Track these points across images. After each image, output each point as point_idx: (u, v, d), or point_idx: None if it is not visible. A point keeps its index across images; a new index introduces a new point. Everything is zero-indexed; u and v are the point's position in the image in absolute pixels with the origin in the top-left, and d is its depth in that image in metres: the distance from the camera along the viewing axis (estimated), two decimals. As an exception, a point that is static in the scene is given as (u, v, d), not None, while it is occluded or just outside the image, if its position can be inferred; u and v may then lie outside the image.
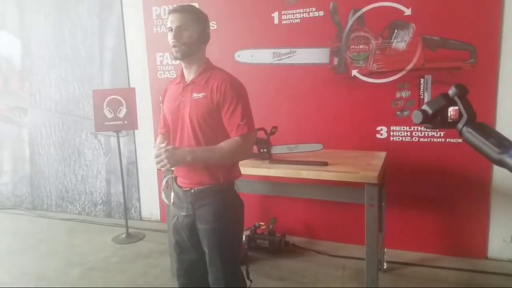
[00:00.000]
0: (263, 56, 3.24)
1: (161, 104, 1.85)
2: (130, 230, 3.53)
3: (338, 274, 2.70)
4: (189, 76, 1.65)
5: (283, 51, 3.18)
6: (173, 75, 3.55)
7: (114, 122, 3.40)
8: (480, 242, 2.86)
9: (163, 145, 1.54)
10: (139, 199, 3.96)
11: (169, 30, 1.59)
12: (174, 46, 1.57)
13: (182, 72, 1.68)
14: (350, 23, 2.98)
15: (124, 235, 3.49)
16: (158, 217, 3.86)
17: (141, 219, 3.93)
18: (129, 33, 3.75)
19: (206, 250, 1.64)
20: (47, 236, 3.61)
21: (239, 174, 1.74)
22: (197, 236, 1.66)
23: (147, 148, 3.78)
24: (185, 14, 1.58)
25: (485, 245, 2.86)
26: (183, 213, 1.68)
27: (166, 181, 1.84)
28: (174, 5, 1.66)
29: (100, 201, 4.09)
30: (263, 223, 3.08)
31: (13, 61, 4.30)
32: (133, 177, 3.93)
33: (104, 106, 3.38)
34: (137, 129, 3.50)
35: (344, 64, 3.02)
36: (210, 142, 1.59)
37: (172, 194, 1.76)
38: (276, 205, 3.32)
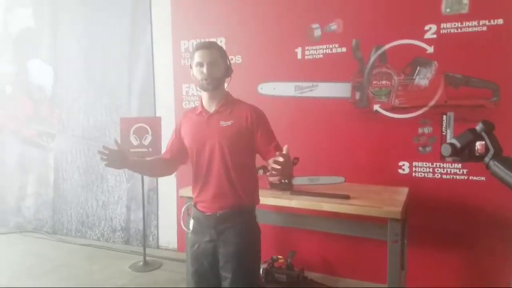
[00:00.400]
0: (286, 89, 3.31)
1: (174, 133, 1.91)
2: (147, 258, 3.53)
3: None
4: (210, 107, 1.76)
5: (305, 84, 3.24)
6: (198, 105, 3.63)
7: (139, 149, 3.48)
8: (504, 282, 2.75)
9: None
10: (157, 227, 3.98)
11: (197, 65, 1.71)
12: (205, 79, 1.69)
13: (201, 103, 1.79)
14: (372, 59, 3.04)
15: (141, 263, 3.49)
16: (175, 246, 3.86)
17: (158, 247, 3.94)
18: (158, 64, 3.90)
19: (228, 275, 1.65)
20: (66, 261, 3.64)
21: (258, 199, 1.83)
22: (218, 262, 1.68)
23: (169, 176, 3.82)
24: (214, 50, 1.72)
25: (510, 283, 2.74)
26: (206, 239, 1.71)
27: (186, 208, 1.87)
28: (201, 41, 1.80)
29: (119, 227, 4.13)
30: (281, 257, 3.04)
31: (44, 88, 4.49)
32: (153, 204, 3.97)
33: (131, 134, 3.48)
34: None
35: (366, 98, 3.06)
36: (236, 166, 1.70)
37: (192, 221, 1.80)
38: (295, 238, 3.28)
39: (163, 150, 3.50)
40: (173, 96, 3.81)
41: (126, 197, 4.10)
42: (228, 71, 1.78)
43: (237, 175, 1.71)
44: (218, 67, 1.71)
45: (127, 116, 3.93)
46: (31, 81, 4.57)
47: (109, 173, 4.16)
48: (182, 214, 1.88)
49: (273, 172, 1.50)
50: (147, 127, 3.52)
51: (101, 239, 4.20)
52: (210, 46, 1.72)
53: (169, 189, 3.85)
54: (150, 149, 3.49)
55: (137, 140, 3.50)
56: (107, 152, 1.64)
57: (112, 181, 4.16)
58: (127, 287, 3.07)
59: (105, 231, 4.20)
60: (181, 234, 3.78)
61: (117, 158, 1.65)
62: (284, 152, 1.50)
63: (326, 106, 3.16)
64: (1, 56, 4.71)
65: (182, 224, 1.86)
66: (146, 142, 3.51)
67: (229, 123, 1.71)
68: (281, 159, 1.47)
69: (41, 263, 3.61)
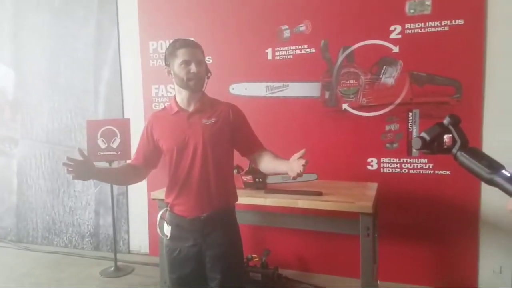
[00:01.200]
0: (257, 89, 3.33)
1: (143, 137, 1.82)
2: (118, 263, 3.45)
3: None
4: (189, 106, 1.71)
5: (276, 84, 3.28)
6: (167, 107, 3.59)
7: (107, 153, 3.40)
8: (470, 274, 2.88)
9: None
10: (128, 231, 3.89)
11: (182, 63, 1.64)
12: (191, 79, 1.65)
13: (176, 103, 1.72)
14: (340, 59, 3.11)
15: (112, 269, 3.40)
16: (147, 250, 3.79)
17: (129, 252, 3.85)
18: (125, 66, 3.82)
19: (217, 276, 1.63)
20: (32, 270, 3.50)
21: (236, 198, 1.82)
22: (204, 266, 1.65)
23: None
24: (199, 49, 1.70)
25: (476, 276, 2.88)
26: (188, 244, 1.65)
27: (161, 215, 1.77)
28: (183, 39, 1.73)
29: (88, 233, 4.01)
30: (255, 255, 3.05)
31: (5, 92, 4.31)
32: (123, 208, 3.88)
33: (98, 137, 3.39)
34: (130, 159, 3.49)
35: (334, 98, 3.13)
36: (219, 165, 1.68)
37: (169, 227, 1.70)
38: (269, 237, 3.31)
39: (133, 152, 3.49)
40: (142, 97, 3.74)
41: (94, 202, 3.99)
42: (207, 72, 1.74)
43: (220, 174, 1.69)
44: (202, 66, 1.69)
45: (93, 118, 3.83)
46: (-9, 84, 4.37)
47: (76, 177, 4.02)
48: (158, 220, 1.76)
49: (297, 175, 1.56)
50: (115, 129, 3.44)
51: (69, 245, 4.07)
52: (196, 46, 1.69)
53: (139, 193, 3.77)
54: (119, 152, 3.42)
55: (104, 143, 3.41)
56: (72, 164, 1.52)
57: (79, 186, 4.04)
58: (99, 294, 2.99)
59: (73, 237, 4.07)
60: (153, 238, 3.72)
61: (84, 169, 1.54)
62: (301, 155, 1.60)
63: (297, 106, 3.21)
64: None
65: (159, 231, 1.75)
66: (115, 145, 3.43)
67: (212, 120, 1.69)
68: (305, 162, 1.55)
69: (5, 273, 3.45)
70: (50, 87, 4.09)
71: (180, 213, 1.68)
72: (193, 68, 1.64)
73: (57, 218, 4.13)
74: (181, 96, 1.72)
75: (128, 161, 1.91)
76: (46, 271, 3.48)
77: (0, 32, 4.27)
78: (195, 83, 1.66)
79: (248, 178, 2.57)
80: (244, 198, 2.38)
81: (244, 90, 3.35)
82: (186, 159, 1.67)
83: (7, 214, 4.34)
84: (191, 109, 1.71)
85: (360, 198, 2.24)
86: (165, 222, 1.74)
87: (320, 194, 2.31)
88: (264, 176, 2.50)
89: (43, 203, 4.17)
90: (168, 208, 1.74)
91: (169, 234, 1.71)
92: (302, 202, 2.26)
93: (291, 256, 3.28)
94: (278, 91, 3.28)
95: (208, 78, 1.73)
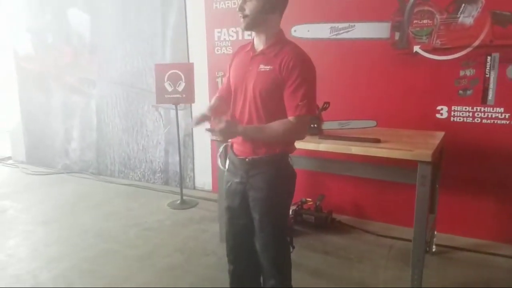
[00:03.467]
0: (320, 31, 3.19)
1: (228, 68, 1.81)
2: (184, 197, 3.72)
3: (383, 253, 2.67)
4: (258, 46, 1.64)
5: (341, 25, 3.11)
6: (229, 51, 3.61)
7: (173, 95, 3.56)
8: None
9: (219, 120, 1.52)
10: (193, 170, 4.14)
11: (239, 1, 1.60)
12: (242, 17, 1.58)
13: (253, 40, 1.68)
14: (413, -4, 2.84)
15: (178, 202, 3.69)
16: (210, 187, 4.03)
17: (194, 188, 4.12)
18: (190, 10, 3.85)
19: (256, 216, 1.69)
20: (108, 199, 3.92)
21: (294, 148, 1.74)
22: (248, 202, 1.71)
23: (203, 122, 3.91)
24: None
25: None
26: (237, 180, 1.72)
27: (223, 148, 1.88)
28: None
29: (159, 169, 4.34)
30: (310, 199, 3.11)
31: (83, 36, 4.60)
32: (189, 148, 4.11)
33: (165, 80, 3.54)
34: (194, 102, 3.64)
35: (406, 39, 2.90)
36: (270, 116, 1.58)
37: (227, 161, 1.81)
38: (324, 182, 3.32)
39: (198, 96, 3.62)
40: (205, 42, 3.78)
41: (164, 142, 4.26)
42: (270, 7, 1.55)
43: (269, 121, 1.58)
44: (252, 2, 1.54)
45: (161, 62, 3.98)
46: (71, 30, 4.68)
47: (148, 118, 4.30)
48: (219, 153, 1.89)
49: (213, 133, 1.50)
50: (180, 73, 3.56)
51: (142, 180, 4.45)
52: None
53: (203, 134, 3.92)
54: (184, 95, 3.56)
55: (171, 86, 3.56)
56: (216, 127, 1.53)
57: (150, 126, 4.32)
58: (165, 222, 3.27)
59: (146, 172, 4.43)
60: (215, 176, 3.92)
61: (229, 130, 1.53)
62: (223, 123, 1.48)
63: (363, 48, 3.03)
64: (41, 5, 4.82)
65: (219, 162, 1.88)
66: (180, 88, 3.56)
67: (268, 68, 1.57)
68: (219, 126, 1.48)
69: (85, 200, 3.90)
70: (122, 32, 4.28)
71: (235, 151, 1.73)
72: (240, 4, 1.56)
73: (132, 154, 4.50)
74: (254, 35, 1.66)
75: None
76: (121, 200, 3.88)
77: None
78: (244, 21, 1.57)
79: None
80: (299, 143, 2.37)
81: (306, 32, 3.22)
82: (239, 99, 1.67)
83: (88, 149, 4.82)
84: (258, 50, 1.64)
85: (421, 146, 2.12)
86: (226, 156, 1.83)
87: (378, 141, 2.23)
88: (319, 121, 2.46)
89: (119, 140, 4.55)
90: (230, 143, 1.79)
91: (227, 167, 1.81)
92: (356, 149, 2.20)
93: (346, 202, 3.28)
94: (343, 33, 3.11)
95: (271, 14, 1.57)
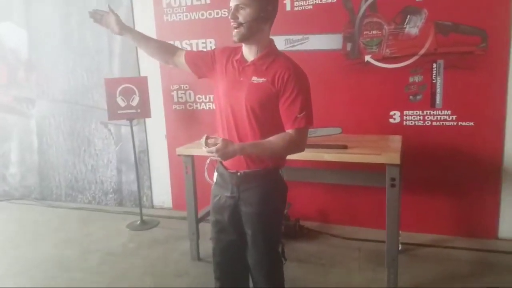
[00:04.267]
0: (276, 42, 3.24)
1: (204, 52, 1.77)
2: (144, 217, 3.56)
3: (354, 256, 2.76)
4: (249, 56, 1.58)
5: (295, 37, 3.20)
6: (184, 63, 3.55)
7: (127, 111, 3.42)
8: (491, 223, 2.94)
9: (214, 144, 1.43)
10: (150, 187, 3.98)
11: (230, 9, 1.52)
12: (233, 28, 1.51)
13: (242, 49, 1.61)
14: (362, 9, 3.01)
15: (138, 222, 3.53)
16: (170, 205, 3.90)
17: (153, 207, 3.96)
18: (139, 22, 3.73)
19: (248, 231, 1.65)
20: (61, 225, 3.63)
21: (285, 160, 1.71)
22: (239, 217, 1.66)
23: (159, 137, 3.81)
24: None
25: (496, 225, 2.94)
26: (227, 194, 1.66)
27: (210, 161, 1.81)
28: None
29: (111, 189, 4.11)
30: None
31: (19, 52, 4.27)
32: (144, 165, 3.95)
33: (117, 95, 3.39)
34: (150, 117, 3.53)
35: (357, 49, 3.06)
36: (264, 130, 1.54)
37: (216, 174, 1.75)
38: (290, 191, 3.35)
39: (152, 110, 3.51)
40: (157, 54, 3.68)
41: (115, 160, 4.06)
42: (264, 15, 1.50)
43: (261, 135, 1.54)
44: (246, 10, 1.47)
45: (109, 77, 3.81)
46: (4, 45, 4.32)
47: (96, 137, 4.08)
48: (206, 166, 1.82)
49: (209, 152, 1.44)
50: (133, 87, 3.44)
51: (93, 202, 4.19)
52: None
53: (160, 150, 3.83)
54: (139, 110, 3.43)
55: (124, 101, 3.42)
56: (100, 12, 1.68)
57: (99, 145, 4.09)
58: (128, 245, 3.11)
59: (97, 194, 4.18)
60: (175, 193, 3.81)
61: (228, 151, 1.44)
62: (219, 143, 1.41)
63: (318, 59, 3.14)
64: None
65: (206, 176, 1.81)
66: (134, 103, 3.43)
67: (261, 80, 1.52)
68: (216, 146, 1.40)
69: (36, 228, 3.59)
70: (64, 46, 4.03)
71: (224, 164, 1.66)
72: (233, 12, 1.49)
73: (80, 176, 4.22)
74: (243, 44, 1.59)
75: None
76: (75, 226, 3.61)
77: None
78: (235, 33, 1.51)
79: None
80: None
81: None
82: (228, 112, 1.60)
83: (30, 174, 4.44)
84: (249, 60, 1.58)
85: (386, 150, 2.25)
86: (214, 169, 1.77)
87: (345, 147, 2.32)
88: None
89: (65, 162, 4.25)
90: None
91: (215, 180, 1.74)
92: (328, 156, 2.27)
93: (311, 209, 3.34)
94: (298, 44, 3.20)
95: (265, 24, 1.53)
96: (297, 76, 1.53)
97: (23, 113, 4.36)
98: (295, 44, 3.20)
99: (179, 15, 3.52)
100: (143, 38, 1.81)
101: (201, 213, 2.79)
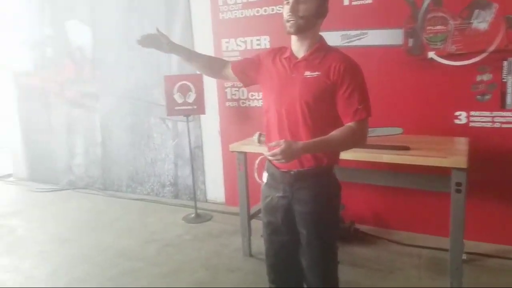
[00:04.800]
0: (331, 38, 3.14)
1: (249, 58, 1.78)
2: (198, 210, 3.66)
3: (414, 263, 2.64)
4: (299, 52, 1.58)
5: (353, 33, 3.10)
6: (240, 61, 3.59)
7: (184, 107, 3.52)
8: None
9: (278, 146, 1.42)
10: (204, 182, 4.08)
11: (285, 3, 1.53)
12: (288, 21, 1.51)
13: (291, 47, 1.62)
14: (426, 3, 2.86)
15: (193, 215, 3.63)
16: (223, 200, 3.97)
17: (206, 201, 4.06)
18: (196, 20, 3.82)
19: (303, 231, 1.63)
20: (121, 215, 3.83)
21: (339, 158, 1.68)
22: (292, 217, 1.65)
23: (213, 133, 3.89)
24: None
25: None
26: (279, 194, 1.64)
27: (260, 161, 1.78)
28: None
29: (168, 182, 4.27)
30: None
31: (85, 50, 4.53)
32: (198, 161, 4.05)
33: (175, 92, 3.50)
34: (204, 113, 3.61)
35: (420, 45, 2.91)
36: (317, 123, 1.53)
37: (266, 174, 1.73)
38: (344, 192, 3.28)
39: (207, 107, 3.58)
40: (213, 52, 3.75)
41: (172, 155, 4.20)
42: (321, 11, 1.53)
43: (315, 132, 1.51)
44: (305, 5, 1.49)
45: (168, 74, 3.93)
46: (71, 43, 4.60)
47: (155, 131, 4.24)
48: (255, 166, 1.83)
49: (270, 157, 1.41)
50: (190, 84, 3.53)
51: (151, 194, 4.37)
52: None
53: (214, 146, 3.91)
54: (195, 106, 3.52)
55: (181, 97, 3.52)
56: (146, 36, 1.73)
57: (158, 140, 4.25)
58: (184, 237, 3.21)
59: (155, 186, 4.36)
60: (228, 189, 3.87)
61: (292, 152, 1.43)
62: (282, 144, 1.38)
63: (376, 55, 3.03)
64: (40, 18, 4.73)
65: (256, 177, 1.81)
66: (190, 100, 3.53)
67: (315, 74, 1.51)
68: (280, 148, 1.37)
69: (98, 216, 3.82)
70: (126, 44, 4.21)
71: (276, 164, 1.62)
72: (288, 7, 1.49)
73: (140, 168, 4.42)
74: (292, 40, 1.60)
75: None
76: (135, 216, 3.79)
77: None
78: (291, 25, 1.50)
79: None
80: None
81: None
82: (280, 110, 1.59)
83: (93, 165, 4.72)
84: (300, 56, 1.57)
85: (452, 152, 2.13)
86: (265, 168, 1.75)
87: (407, 148, 2.22)
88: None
89: (126, 154, 4.47)
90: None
91: (265, 180, 1.72)
92: (388, 157, 2.18)
93: (367, 212, 3.25)
94: (355, 40, 3.11)
95: (320, 19, 1.54)
96: (353, 67, 1.53)
97: (88, 108, 4.63)
98: (352, 39, 3.11)
99: (235, 13, 3.55)
100: (192, 55, 1.86)
101: (253, 210, 2.82)
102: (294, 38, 1.58)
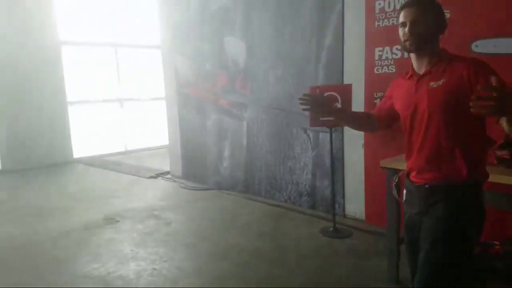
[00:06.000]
0: (510, 45, 2.75)
1: (384, 97, 1.86)
2: (336, 225, 3.55)
3: None
4: (420, 68, 1.62)
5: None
6: (392, 70, 3.39)
7: (328, 118, 3.45)
8: None
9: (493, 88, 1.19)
10: (343, 196, 3.96)
11: (400, 26, 1.60)
12: (406, 40, 1.57)
13: (412, 66, 1.66)
14: None
15: (331, 229, 3.54)
16: (363, 217, 3.78)
17: (344, 216, 3.92)
18: (348, 29, 3.75)
19: (426, 246, 1.53)
20: (259, 218, 3.99)
21: (485, 174, 1.57)
22: None
23: (356, 146, 3.74)
24: (418, 7, 1.57)
25: None
26: (414, 211, 1.62)
27: (399, 177, 1.81)
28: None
29: (305, 192, 4.27)
30: (496, 242, 2.64)
31: (238, 64, 4.87)
32: (338, 173, 3.95)
33: (321, 102, 3.47)
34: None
35: None
36: (452, 132, 1.50)
37: (405, 191, 1.71)
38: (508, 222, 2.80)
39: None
40: (363, 61, 3.62)
41: (311, 164, 4.19)
42: (439, 25, 1.58)
43: (453, 143, 1.50)
44: (421, 24, 1.54)
45: (314, 84, 3.94)
46: (227, 57, 5.01)
47: (296, 141, 4.30)
48: (394, 182, 1.85)
49: (481, 105, 1.14)
50: (336, 95, 3.46)
51: (288, 201, 4.44)
52: (413, 4, 1.58)
53: (356, 159, 3.76)
54: (340, 118, 3.43)
55: (327, 108, 3.47)
56: (308, 97, 1.73)
57: (298, 149, 4.30)
58: (323, 250, 3.15)
59: (292, 194, 4.41)
60: (369, 205, 3.67)
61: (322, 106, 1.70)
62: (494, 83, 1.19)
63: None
64: (201, 34, 5.28)
65: (395, 193, 1.84)
66: (336, 110, 3.45)
67: (440, 82, 1.51)
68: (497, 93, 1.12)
69: (237, 217, 4.04)
70: (276, 57, 4.39)
71: (412, 178, 1.64)
72: (406, 29, 1.56)
73: (278, 176, 4.53)
74: (412, 58, 1.65)
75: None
76: (271, 221, 3.90)
77: (234, 8, 4.79)
78: (410, 43, 1.56)
79: (503, 153, 2.17)
80: (496, 176, 2.01)
81: (492, 47, 2.81)
82: (414, 126, 1.62)
83: (237, 168, 5.04)
84: (421, 71, 1.60)
85: None
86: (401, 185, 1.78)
87: None
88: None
89: (267, 161, 4.64)
90: (406, 173, 1.71)
91: (404, 198, 1.71)
92: None
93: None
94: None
95: (438, 33, 1.58)
96: (484, 64, 1.48)
97: (237, 116, 4.96)
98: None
99: (392, 20, 3.36)
100: (355, 120, 1.96)
101: (403, 233, 2.58)
102: (413, 57, 1.63)
